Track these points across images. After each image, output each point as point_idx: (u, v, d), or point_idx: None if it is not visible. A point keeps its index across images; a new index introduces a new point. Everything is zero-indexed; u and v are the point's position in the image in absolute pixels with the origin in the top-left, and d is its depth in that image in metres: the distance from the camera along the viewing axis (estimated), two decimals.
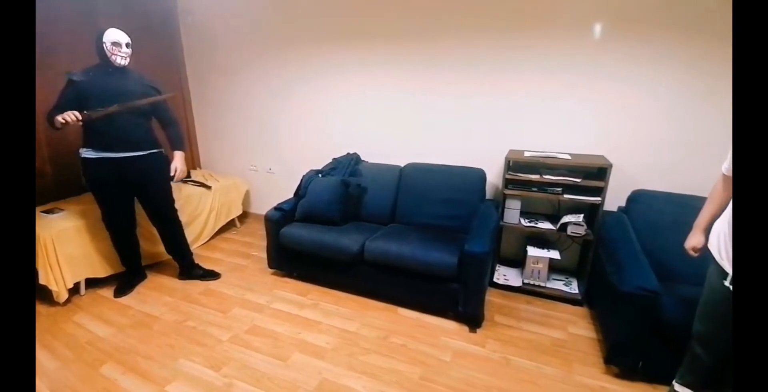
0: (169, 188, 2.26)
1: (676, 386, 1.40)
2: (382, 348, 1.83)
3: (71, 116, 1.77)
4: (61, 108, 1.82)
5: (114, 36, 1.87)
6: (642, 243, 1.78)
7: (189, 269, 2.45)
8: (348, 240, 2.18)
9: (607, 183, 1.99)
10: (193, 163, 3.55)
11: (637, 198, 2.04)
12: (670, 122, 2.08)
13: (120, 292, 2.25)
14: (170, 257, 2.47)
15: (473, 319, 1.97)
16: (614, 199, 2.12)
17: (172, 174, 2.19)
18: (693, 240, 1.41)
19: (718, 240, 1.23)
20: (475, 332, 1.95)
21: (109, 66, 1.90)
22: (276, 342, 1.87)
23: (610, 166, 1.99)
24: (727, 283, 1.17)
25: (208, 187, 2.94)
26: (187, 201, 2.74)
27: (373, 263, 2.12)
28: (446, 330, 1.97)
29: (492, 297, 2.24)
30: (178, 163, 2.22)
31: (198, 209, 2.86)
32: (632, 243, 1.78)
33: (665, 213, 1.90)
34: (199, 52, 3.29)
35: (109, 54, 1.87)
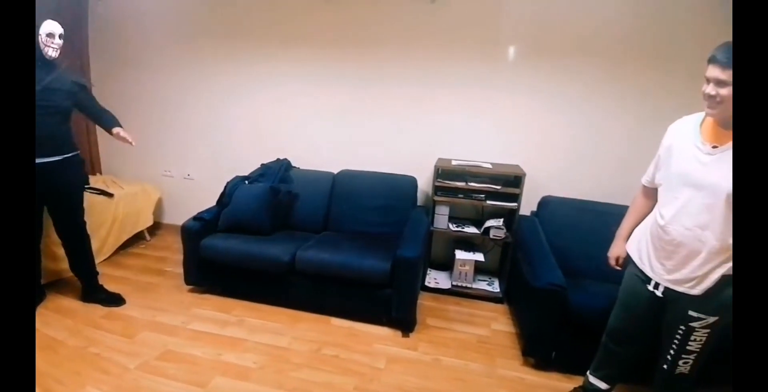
0: (83, 196, 2.03)
1: (591, 378, 1.49)
2: (315, 361, 1.76)
3: None
4: None
5: (49, 27, 1.73)
6: (550, 244, 1.99)
7: (92, 291, 2.13)
8: (278, 250, 2.07)
9: (522, 190, 2.20)
10: (92, 167, 3.07)
11: (546, 203, 2.28)
12: (574, 136, 2.38)
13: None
14: (70, 275, 2.13)
15: (406, 324, 2.00)
16: (528, 205, 2.35)
17: (129, 139, 1.98)
18: (616, 250, 1.42)
19: (639, 244, 1.28)
20: (408, 336, 1.98)
21: (39, 59, 1.73)
22: (193, 367, 1.69)
23: (524, 174, 2.20)
24: (650, 287, 1.22)
25: (110, 195, 2.57)
26: (84, 212, 2.35)
27: (304, 273, 2.04)
28: (380, 336, 1.97)
29: (424, 300, 2.30)
30: (124, 132, 1.99)
31: (98, 221, 2.47)
32: (542, 244, 1.98)
33: (569, 217, 2.15)
34: (107, 42, 2.89)
35: (42, 46, 1.72)
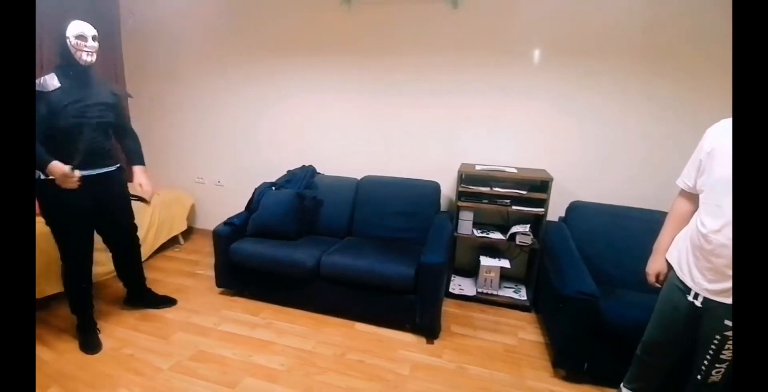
0: (130, 204, 2.05)
1: (624, 391, 1.45)
2: (340, 365, 1.78)
3: (64, 172, 1.55)
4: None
5: (78, 28, 1.59)
6: (580, 251, 1.93)
7: (141, 295, 2.17)
8: (303, 254, 2.11)
9: (549, 195, 2.15)
10: (130, 174, 3.25)
11: (574, 208, 2.21)
12: (600, 140, 2.31)
13: (94, 346, 1.84)
14: (105, 278, 2.22)
15: (430, 330, 1.99)
16: (555, 210, 2.28)
17: (141, 193, 1.99)
18: (656, 265, 1.35)
19: (679, 253, 1.24)
20: (433, 343, 1.96)
21: (75, 66, 1.62)
22: (224, 367, 1.74)
23: (551, 179, 2.15)
24: (690, 298, 1.18)
25: (147, 202, 2.72)
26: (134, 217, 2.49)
27: (329, 278, 2.07)
28: (404, 343, 1.96)
29: (448, 307, 2.28)
30: (143, 179, 1.98)
31: None
32: (572, 251, 1.92)
33: (600, 223, 2.08)
34: (140, 56, 3.08)
35: (73, 50, 1.59)
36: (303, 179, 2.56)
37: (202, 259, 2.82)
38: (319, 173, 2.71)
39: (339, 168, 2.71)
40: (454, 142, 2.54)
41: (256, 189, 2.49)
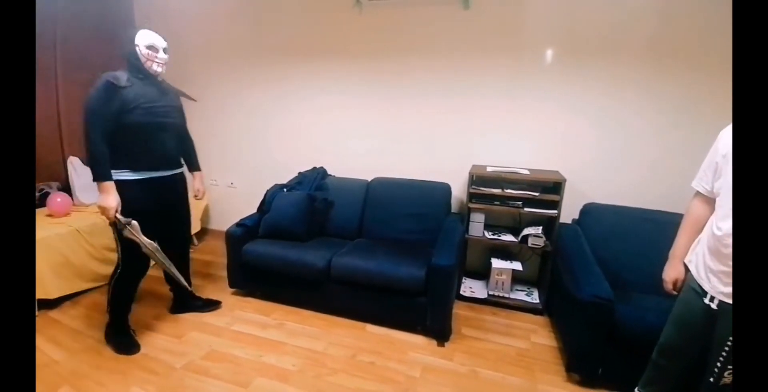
0: (190, 207, 2.07)
1: None
2: (351, 367, 1.78)
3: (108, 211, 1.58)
4: (105, 118, 1.54)
5: (149, 39, 1.62)
6: (595, 254, 1.89)
7: (188, 300, 2.16)
8: (314, 256, 2.13)
9: (562, 197, 2.12)
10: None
11: (589, 211, 2.18)
12: (614, 141, 2.27)
13: (132, 346, 1.85)
14: None
15: (441, 333, 1.98)
16: (569, 212, 2.25)
17: (198, 197, 2.07)
18: (673, 272, 1.33)
19: (697, 257, 1.23)
20: (444, 346, 1.95)
21: (142, 73, 1.65)
22: (236, 367, 1.76)
23: (564, 180, 2.12)
24: (706, 301, 1.17)
25: None
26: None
27: (340, 279, 2.08)
28: (415, 345, 1.95)
29: (459, 309, 2.26)
30: (200, 184, 2.08)
31: None
32: (586, 254, 1.88)
33: (615, 225, 2.04)
34: None
35: (143, 59, 1.62)
36: (314, 181, 2.58)
37: (216, 260, 2.86)
38: (329, 175, 2.73)
39: (349, 169, 2.73)
40: (465, 143, 2.52)
41: (267, 190, 2.52)
